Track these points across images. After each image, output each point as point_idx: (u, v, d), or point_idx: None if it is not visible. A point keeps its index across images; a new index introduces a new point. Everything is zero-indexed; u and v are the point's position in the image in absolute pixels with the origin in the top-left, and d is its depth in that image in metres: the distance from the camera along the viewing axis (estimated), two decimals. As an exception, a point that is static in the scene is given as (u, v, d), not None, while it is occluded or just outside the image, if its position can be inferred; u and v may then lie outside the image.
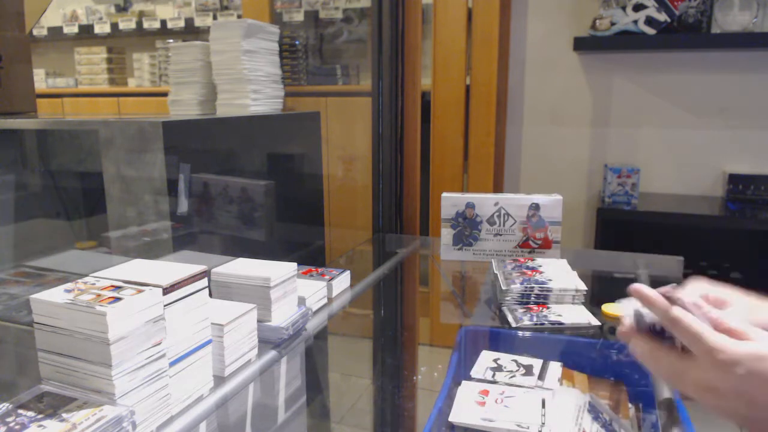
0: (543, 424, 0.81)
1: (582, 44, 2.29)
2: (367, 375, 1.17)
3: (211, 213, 1.36)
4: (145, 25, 3.65)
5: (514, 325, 1.11)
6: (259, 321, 0.96)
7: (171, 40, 3.67)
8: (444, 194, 1.53)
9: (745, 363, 0.53)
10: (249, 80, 1.65)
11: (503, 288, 1.20)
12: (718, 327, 0.57)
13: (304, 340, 1.06)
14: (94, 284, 0.72)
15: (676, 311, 0.58)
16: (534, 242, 1.50)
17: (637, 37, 2.19)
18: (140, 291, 0.70)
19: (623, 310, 0.65)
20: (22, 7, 1.65)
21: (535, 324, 1.10)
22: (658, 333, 0.62)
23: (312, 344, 1.09)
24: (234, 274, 0.99)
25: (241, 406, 0.88)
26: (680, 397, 0.84)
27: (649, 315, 0.62)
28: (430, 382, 1.05)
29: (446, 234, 1.54)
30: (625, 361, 0.97)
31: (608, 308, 1.18)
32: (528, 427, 0.80)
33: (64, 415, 0.65)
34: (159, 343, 0.73)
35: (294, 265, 1.04)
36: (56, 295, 0.69)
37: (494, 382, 0.92)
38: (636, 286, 0.63)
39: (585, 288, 1.20)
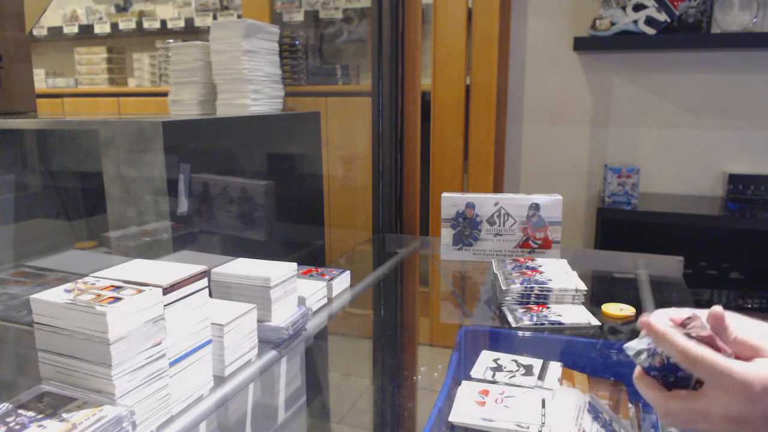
0: (543, 424, 0.81)
1: (582, 44, 2.28)
2: (367, 375, 1.17)
3: (211, 213, 1.36)
4: (145, 25, 3.65)
5: (514, 325, 1.11)
6: (259, 321, 0.96)
7: (171, 40, 3.67)
8: (444, 194, 1.53)
9: None
10: (249, 80, 1.65)
11: (503, 288, 1.20)
12: (730, 342, 0.56)
13: (304, 340, 1.06)
14: (94, 284, 0.72)
15: (687, 344, 0.56)
16: (534, 242, 1.50)
17: (637, 37, 2.19)
18: (140, 291, 0.70)
19: (634, 349, 0.61)
20: (22, 7, 1.65)
21: (535, 324, 1.10)
22: (672, 367, 0.59)
23: (312, 344, 1.08)
24: (234, 274, 0.99)
25: (241, 406, 0.88)
26: None
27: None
28: (430, 382, 1.05)
29: (446, 234, 1.54)
30: (625, 361, 0.97)
31: (608, 308, 1.18)
32: (528, 427, 0.80)
33: (64, 415, 0.64)
34: (159, 343, 0.73)
35: (294, 265, 1.04)
36: (56, 295, 0.69)
37: (494, 382, 0.92)
38: (645, 321, 0.59)
39: (585, 288, 1.20)
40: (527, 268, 1.32)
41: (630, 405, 0.91)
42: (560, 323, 1.11)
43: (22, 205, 1.70)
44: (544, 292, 1.20)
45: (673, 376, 0.60)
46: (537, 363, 0.97)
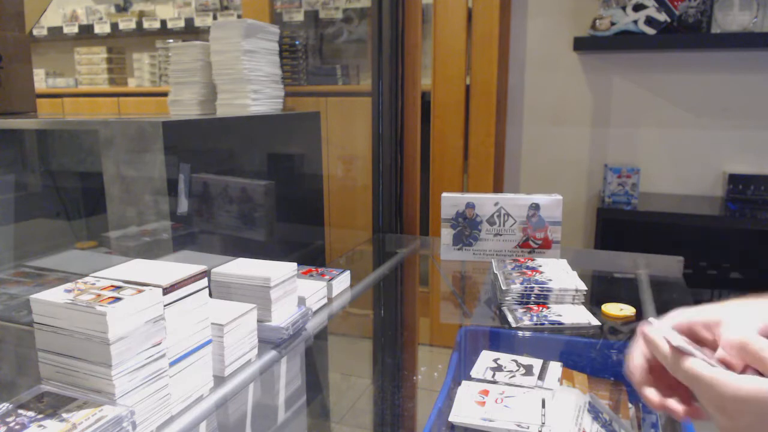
0: (543, 424, 0.81)
1: (582, 44, 2.29)
2: (367, 375, 1.17)
3: (211, 213, 1.36)
4: (145, 25, 3.65)
5: (514, 325, 1.11)
6: (259, 321, 0.96)
7: (171, 40, 3.67)
8: (444, 194, 1.53)
9: (753, 408, 0.44)
10: (249, 80, 1.65)
11: (503, 288, 1.20)
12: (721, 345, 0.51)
13: (304, 340, 1.06)
14: (94, 284, 0.72)
15: (681, 359, 0.50)
16: (534, 242, 1.50)
17: (637, 37, 2.19)
18: (140, 291, 0.70)
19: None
20: (22, 7, 1.65)
21: (535, 324, 1.10)
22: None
23: (312, 344, 1.08)
24: (234, 274, 0.99)
25: (241, 406, 0.88)
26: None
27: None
28: (430, 382, 1.05)
29: (446, 234, 1.54)
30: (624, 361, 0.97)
31: (608, 308, 1.18)
32: (528, 427, 0.80)
33: (64, 415, 0.64)
34: (159, 343, 0.73)
35: (294, 265, 1.04)
36: (56, 295, 0.69)
37: (494, 382, 0.92)
38: (644, 331, 0.55)
39: (585, 288, 1.20)
40: (527, 268, 1.32)
41: (630, 405, 0.91)
42: (560, 323, 1.11)
43: (22, 205, 1.70)
44: (544, 292, 1.20)
45: None
46: (537, 363, 0.97)
